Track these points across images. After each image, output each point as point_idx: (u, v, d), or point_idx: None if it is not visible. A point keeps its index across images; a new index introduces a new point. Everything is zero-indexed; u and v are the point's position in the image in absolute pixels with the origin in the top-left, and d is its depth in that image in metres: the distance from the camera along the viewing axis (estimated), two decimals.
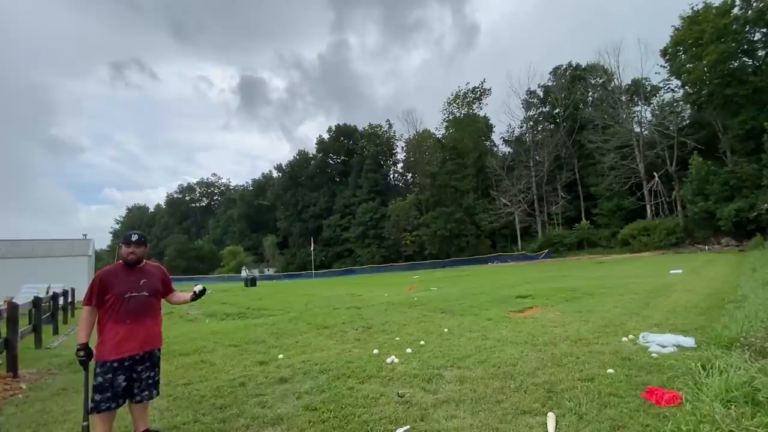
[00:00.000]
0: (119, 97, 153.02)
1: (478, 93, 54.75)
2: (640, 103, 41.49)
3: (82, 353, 2.84)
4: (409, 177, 62.88)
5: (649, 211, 38.57)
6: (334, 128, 64.74)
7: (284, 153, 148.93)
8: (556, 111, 47.40)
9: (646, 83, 40.59)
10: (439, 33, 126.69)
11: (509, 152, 52.09)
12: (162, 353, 3.10)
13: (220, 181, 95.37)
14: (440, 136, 56.70)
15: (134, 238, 3.00)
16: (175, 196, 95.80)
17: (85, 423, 2.85)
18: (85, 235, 33.39)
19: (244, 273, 33.19)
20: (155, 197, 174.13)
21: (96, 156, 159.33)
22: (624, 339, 5.28)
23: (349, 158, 62.59)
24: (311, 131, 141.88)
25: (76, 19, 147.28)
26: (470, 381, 4.02)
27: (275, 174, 72.79)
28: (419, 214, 50.91)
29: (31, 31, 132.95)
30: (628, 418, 2.95)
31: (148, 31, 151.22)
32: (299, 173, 65.19)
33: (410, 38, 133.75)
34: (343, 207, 58.55)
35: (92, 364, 2.91)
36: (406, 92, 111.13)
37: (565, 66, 49.36)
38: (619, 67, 42.14)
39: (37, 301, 8.36)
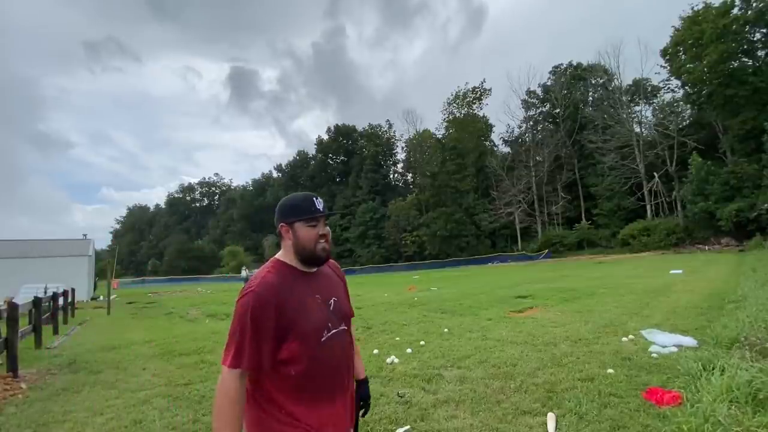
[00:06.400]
0: (108, 91, 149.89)
1: (478, 93, 54.73)
2: (640, 103, 41.52)
3: None
4: (409, 177, 62.85)
5: (649, 211, 38.56)
6: (333, 128, 64.84)
7: (280, 150, 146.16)
8: (556, 111, 47.39)
9: (647, 83, 40.60)
10: (444, 17, 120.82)
11: (509, 152, 52.11)
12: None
13: (222, 181, 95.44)
14: (440, 136, 56.71)
15: (320, 204, 1.44)
16: (176, 195, 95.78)
17: None
18: (85, 235, 33.35)
19: (244, 273, 33.15)
20: (153, 197, 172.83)
21: (91, 155, 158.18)
22: (624, 339, 5.28)
23: (349, 158, 62.59)
24: (307, 126, 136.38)
25: (54, 6, 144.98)
26: (470, 381, 4.02)
27: (275, 174, 72.93)
28: (419, 214, 50.87)
29: (12, 22, 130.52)
30: (628, 418, 2.95)
31: (132, 15, 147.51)
32: (299, 173, 65.24)
33: (412, 24, 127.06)
34: (342, 207, 58.57)
35: None
36: (406, 84, 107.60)
37: (565, 65, 49.44)
38: (619, 67, 42.17)
39: (37, 301, 8.36)
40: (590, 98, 47.21)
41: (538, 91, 50.24)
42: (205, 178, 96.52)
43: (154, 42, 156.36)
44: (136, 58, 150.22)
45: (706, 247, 30.24)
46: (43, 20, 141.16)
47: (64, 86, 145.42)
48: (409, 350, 5.44)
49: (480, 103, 55.09)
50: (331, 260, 1.60)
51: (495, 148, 55.56)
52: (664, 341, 4.83)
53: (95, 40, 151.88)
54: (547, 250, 41.24)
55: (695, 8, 32.81)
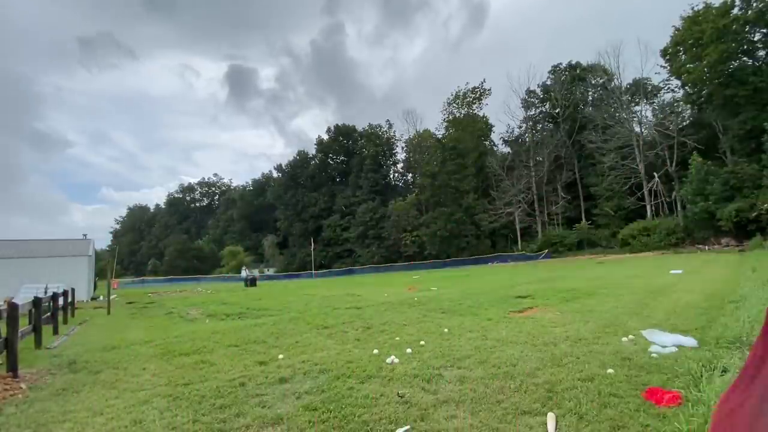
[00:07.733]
0: (106, 89, 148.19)
1: (478, 93, 54.78)
2: (640, 103, 41.53)
3: None
4: (409, 177, 62.93)
5: (649, 212, 38.56)
6: (333, 128, 64.96)
7: (279, 149, 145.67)
8: (556, 111, 47.43)
9: (647, 83, 40.59)
10: (445, 14, 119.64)
11: (509, 152, 52.16)
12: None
13: (221, 181, 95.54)
14: (440, 136, 56.76)
15: None
16: (175, 195, 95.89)
17: None
18: (85, 235, 33.31)
19: (243, 273, 33.18)
20: (153, 197, 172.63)
21: (90, 155, 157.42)
22: (624, 339, 5.27)
23: (349, 158, 62.66)
24: (306, 125, 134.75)
25: (49, 2, 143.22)
26: (470, 381, 4.02)
27: (275, 174, 72.99)
28: (419, 214, 50.91)
29: (6, 19, 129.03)
30: (628, 418, 2.95)
31: (127, 13, 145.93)
32: (299, 173, 65.29)
33: (412, 22, 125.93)
34: (343, 207, 58.57)
35: None
36: (406, 83, 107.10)
37: (564, 65, 49.48)
38: (619, 67, 42.16)
39: (37, 301, 8.36)
40: (590, 98, 47.23)
41: (538, 90, 50.28)
42: (204, 178, 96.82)
43: (150, 40, 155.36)
44: (133, 56, 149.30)
45: (706, 247, 30.23)
46: (37, 16, 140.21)
47: (61, 84, 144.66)
48: (409, 350, 5.44)
49: (480, 103, 55.18)
50: None
51: (495, 148, 55.62)
52: (664, 341, 4.82)
53: (90, 37, 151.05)
54: (547, 250, 41.23)
55: (695, 8, 32.86)
